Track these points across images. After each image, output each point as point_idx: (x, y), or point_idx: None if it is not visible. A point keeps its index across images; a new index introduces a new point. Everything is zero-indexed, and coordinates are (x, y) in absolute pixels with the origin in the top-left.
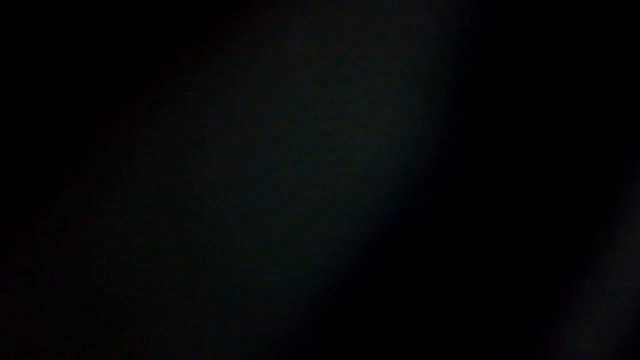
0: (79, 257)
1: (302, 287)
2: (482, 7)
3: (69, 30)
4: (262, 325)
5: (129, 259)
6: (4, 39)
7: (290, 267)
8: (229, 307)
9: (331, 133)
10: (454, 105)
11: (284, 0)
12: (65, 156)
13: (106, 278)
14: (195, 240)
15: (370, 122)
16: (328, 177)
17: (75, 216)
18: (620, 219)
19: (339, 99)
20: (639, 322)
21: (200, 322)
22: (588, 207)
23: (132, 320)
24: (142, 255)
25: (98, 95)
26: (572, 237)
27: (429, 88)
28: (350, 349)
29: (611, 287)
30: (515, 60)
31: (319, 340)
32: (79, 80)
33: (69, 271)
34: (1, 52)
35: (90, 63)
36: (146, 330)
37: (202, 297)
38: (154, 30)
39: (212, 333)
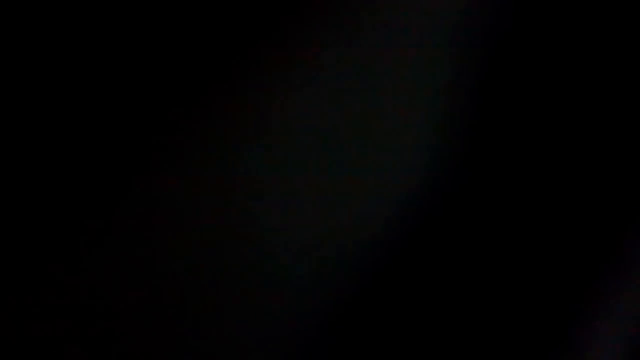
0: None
1: (312, 286)
2: (500, 11)
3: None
4: (272, 325)
5: (128, 260)
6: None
7: (301, 266)
8: (238, 305)
9: (349, 135)
10: (469, 110)
11: (311, 9)
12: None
13: (113, 279)
14: (201, 239)
15: (387, 125)
16: (344, 177)
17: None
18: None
19: (360, 100)
20: None
21: (210, 321)
22: (608, 208)
23: (133, 320)
24: (146, 256)
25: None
26: (588, 240)
27: (446, 92)
28: (355, 349)
29: (628, 291)
30: (536, 66)
31: (327, 339)
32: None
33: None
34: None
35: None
36: (148, 331)
37: (211, 295)
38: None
39: (222, 332)
